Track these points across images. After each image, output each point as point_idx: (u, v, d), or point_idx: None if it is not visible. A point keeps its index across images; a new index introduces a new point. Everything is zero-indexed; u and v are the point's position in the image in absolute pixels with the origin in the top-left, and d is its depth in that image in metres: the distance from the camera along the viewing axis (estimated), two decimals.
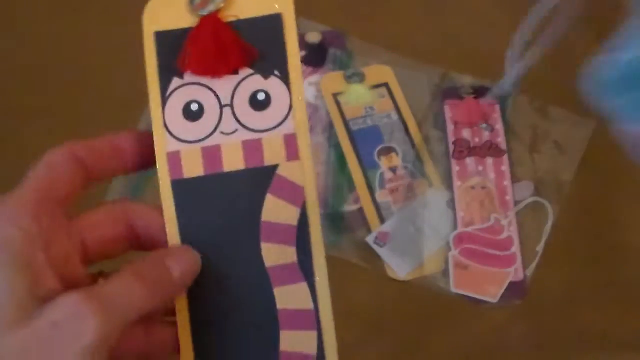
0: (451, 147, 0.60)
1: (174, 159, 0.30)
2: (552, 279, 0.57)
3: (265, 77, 0.31)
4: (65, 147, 0.29)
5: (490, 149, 0.60)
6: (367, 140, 0.61)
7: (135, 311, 0.27)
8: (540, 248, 0.57)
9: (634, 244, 0.59)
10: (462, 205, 0.58)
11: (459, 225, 0.58)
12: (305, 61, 0.63)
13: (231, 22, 0.30)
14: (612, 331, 0.56)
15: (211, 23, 0.30)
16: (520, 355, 0.55)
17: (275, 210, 0.30)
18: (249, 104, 0.31)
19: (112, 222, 0.30)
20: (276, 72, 0.31)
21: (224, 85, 0.31)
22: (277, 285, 0.30)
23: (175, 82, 0.31)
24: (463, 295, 0.56)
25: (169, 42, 0.31)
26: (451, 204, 0.59)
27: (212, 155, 0.30)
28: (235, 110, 0.31)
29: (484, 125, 0.61)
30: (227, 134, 0.30)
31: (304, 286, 0.30)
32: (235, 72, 0.31)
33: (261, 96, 0.30)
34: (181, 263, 0.29)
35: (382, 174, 0.60)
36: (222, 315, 0.31)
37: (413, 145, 0.61)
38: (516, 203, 0.59)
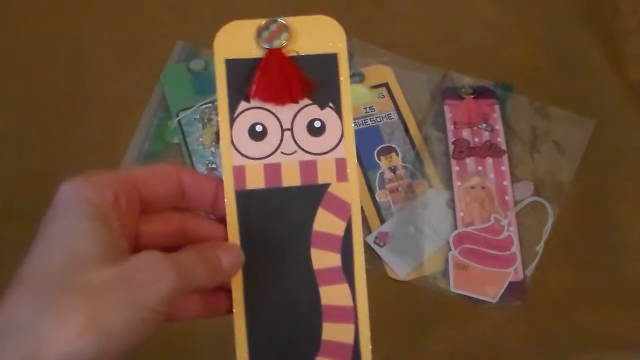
0: (451, 147, 0.60)
1: (239, 172, 0.35)
2: (551, 279, 0.57)
3: (322, 107, 0.35)
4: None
5: (489, 149, 0.60)
6: (367, 140, 0.61)
7: (195, 283, 0.31)
8: (540, 248, 0.57)
9: (633, 244, 0.59)
10: (462, 205, 0.58)
11: (458, 225, 0.58)
12: None
13: (293, 57, 0.35)
14: (612, 331, 0.55)
15: (277, 57, 0.35)
16: (520, 355, 0.55)
17: (325, 222, 0.35)
18: (306, 129, 0.35)
19: (166, 219, 0.34)
20: (331, 104, 0.35)
21: (285, 111, 0.35)
22: (322, 285, 0.35)
23: (243, 105, 0.35)
24: (463, 295, 0.56)
25: (238, 69, 0.35)
26: (451, 203, 0.59)
27: (273, 171, 0.35)
28: (295, 134, 0.35)
29: (484, 125, 0.61)
30: (287, 154, 0.35)
31: (345, 287, 0.35)
32: (296, 101, 0.35)
33: (317, 124, 0.35)
34: (230, 256, 0.33)
35: (382, 174, 0.60)
36: (274, 305, 0.35)
37: (413, 145, 0.61)
38: (516, 203, 0.59)
